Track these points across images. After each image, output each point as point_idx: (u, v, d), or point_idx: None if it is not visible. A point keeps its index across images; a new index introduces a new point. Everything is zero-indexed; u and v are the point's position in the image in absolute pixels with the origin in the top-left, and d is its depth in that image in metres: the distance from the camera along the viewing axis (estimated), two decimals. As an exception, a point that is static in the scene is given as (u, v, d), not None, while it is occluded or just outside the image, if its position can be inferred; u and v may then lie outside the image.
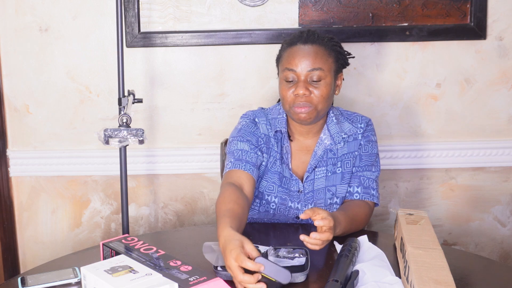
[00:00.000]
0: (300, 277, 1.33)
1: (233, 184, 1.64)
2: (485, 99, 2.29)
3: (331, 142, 1.76)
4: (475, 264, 1.50)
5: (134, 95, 2.00)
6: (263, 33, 2.19)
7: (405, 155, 2.31)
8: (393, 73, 2.27)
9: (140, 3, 2.19)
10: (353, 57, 1.85)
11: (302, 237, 1.42)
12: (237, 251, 1.26)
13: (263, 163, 1.76)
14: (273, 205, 1.77)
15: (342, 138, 1.77)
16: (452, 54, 2.25)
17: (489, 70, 2.26)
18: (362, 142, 1.78)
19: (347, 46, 2.22)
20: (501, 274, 1.45)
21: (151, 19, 2.21)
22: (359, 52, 2.24)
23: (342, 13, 2.20)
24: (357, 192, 1.75)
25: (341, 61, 1.76)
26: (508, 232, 2.40)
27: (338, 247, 1.49)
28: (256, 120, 1.80)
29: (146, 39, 2.21)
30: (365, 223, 1.73)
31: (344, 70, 2.25)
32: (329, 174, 1.77)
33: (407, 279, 1.27)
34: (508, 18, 2.23)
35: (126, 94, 1.99)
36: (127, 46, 2.20)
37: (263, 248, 1.46)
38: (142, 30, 2.21)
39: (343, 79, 1.82)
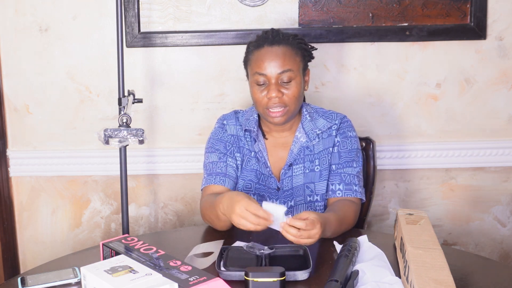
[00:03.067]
0: (303, 275, 1.33)
1: (212, 195, 1.71)
2: (485, 99, 2.29)
3: (307, 140, 1.78)
4: (475, 264, 1.50)
5: (134, 95, 2.00)
6: (263, 33, 2.19)
7: (405, 155, 2.31)
8: (393, 73, 2.27)
9: (140, 3, 2.19)
10: (316, 49, 1.85)
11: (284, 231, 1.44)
12: (246, 200, 1.44)
13: (238, 163, 1.81)
14: None
15: (317, 134, 1.79)
16: (452, 54, 2.25)
17: (489, 70, 2.26)
18: (338, 139, 1.79)
19: (347, 46, 2.24)
20: (501, 274, 1.45)
21: (151, 19, 2.21)
22: (359, 52, 2.24)
23: (342, 13, 2.20)
24: (339, 189, 1.76)
25: (307, 57, 1.79)
26: (508, 232, 2.40)
27: (338, 247, 1.49)
28: (225, 122, 1.86)
29: (146, 39, 2.21)
30: (354, 222, 1.73)
31: (344, 70, 2.26)
32: (307, 171, 1.78)
33: (407, 279, 1.27)
34: (508, 18, 2.22)
35: (126, 94, 1.99)
36: (127, 46, 2.20)
37: (259, 246, 1.45)
38: (142, 30, 2.21)
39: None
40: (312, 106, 1.86)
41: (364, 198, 1.79)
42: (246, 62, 1.79)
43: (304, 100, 1.88)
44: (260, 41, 1.75)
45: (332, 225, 1.57)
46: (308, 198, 1.77)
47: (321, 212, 1.75)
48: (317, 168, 1.78)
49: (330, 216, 1.59)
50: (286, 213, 1.45)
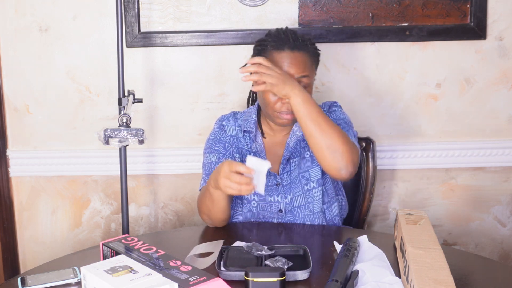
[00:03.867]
0: (303, 275, 1.33)
1: None
2: (485, 99, 2.29)
3: (303, 133, 1.76)
4: (475, 264, 1.50)
5: (134, 95, 2.00)
6: (263, 33, 2.16)
7: (405, 155, 2.31)
8: (393, 73, 2.27)
9: (140, 3, 2.19)
10: (320, 52, 1.85)
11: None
12: (228, 161, 1.48)
13: None
14: (254, 203, 1.78)
15: None
16: (452, 54, 2.25)
17: (489, 70, 2.26)
18: None
19: (347, 46, 2.24)
20: (501, 274, 1.45)
21: (151, 19, 2.21)
22: (359, 52, 2.24)
23: (342, 13, 2.20)
24: None
25: (318, 63, 1.81)
26: (508, 232, 2.40)
27: (338, 247, 1.49)
28: (224, 123, 1.87)
29: (146, 39, 2.21)
30: (346, 141, 1.62)
31: (344, 70, 2.27)
32: (301, 160, 1.78)
33: (407, 279, 1.27)
34: (508, 18, 2.23)
35: (126, 94, 1.99)
36: (127, 46, 2.20)
37: (259, 247, 1.46)
38: (142, 30, 2.21)
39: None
40: None
41: (359, 147, 1.73)
42: None
43: None
44: (280, 42, 1.73)
45: (307, 93, 1.63)
46: (305, 188, 1.76)
47: (320, 200, 1.76)
48: (307, 154, 1.78)
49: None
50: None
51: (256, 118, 1.82)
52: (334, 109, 1.84)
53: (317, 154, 1.64)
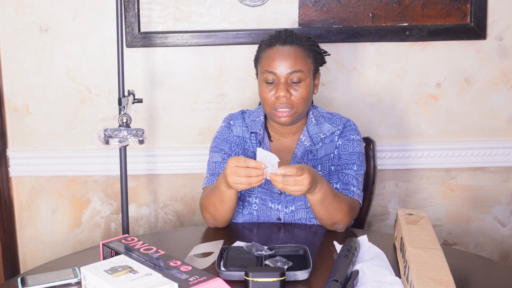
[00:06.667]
0: (303, 275, 1.33)
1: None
2: (485, 99, 2.29)
3: (311, 144, 1.76)
4: (475, 264, 1.50)
5: (134, 95, 2.00)
6: (263, 33, 2.19)
7: (405, 155, 2.31)
8: (393, 73, 2.27)
9: (140, 3, 2.19)
10: (329, 55, 1.85)
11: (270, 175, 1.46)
12: (234, 157, 1.47)
13: None
14: (255, 206, 1.77)
15: (320, 138, 1.77)
16: (452, 54, 2.25)
17: (489, 70, 2.26)
18: (340, 142, 1.77)
19: (347, 46, 2.24)
20: (501, 274, 1.45)
21: (151, 19, 2.21)
22: (359, 52, 2.24)
23: (342, 13, 2.20)
24: (336, 188, 1.73)
25: (319, 60, 1.78)
26: (508, 232, 2.40)
27: (338, 247, 1.49)
28: (231, 122, 1.84)
29: (146, 39, 2.21)
30: (347, 212, 1.65)
31: (344, 70, 2.26)
32: None
33: (407, 279, 1.27)
34: (508, 18, 2.23)
35: (126, 94, 1.99)
36: (127, 46, 2.20)
37: (259, 247, 1.46)
38: (142, 30, 2.21)
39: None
40: (319, 110, 1.84)
41: (361, 201, 1.76)
42: (257, 60, 1.78)
43: (312, 103, 1.87)
44: (272, 40, 1.74)
45: (324, 186, 1.56)
46: (309, 204, 1.75)
47: None
48: (319, 173, 1.77)
49: (324, 180, 1.59)
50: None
51: (264, 120, 1.81)
52: (352, 137, 1.78)
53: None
